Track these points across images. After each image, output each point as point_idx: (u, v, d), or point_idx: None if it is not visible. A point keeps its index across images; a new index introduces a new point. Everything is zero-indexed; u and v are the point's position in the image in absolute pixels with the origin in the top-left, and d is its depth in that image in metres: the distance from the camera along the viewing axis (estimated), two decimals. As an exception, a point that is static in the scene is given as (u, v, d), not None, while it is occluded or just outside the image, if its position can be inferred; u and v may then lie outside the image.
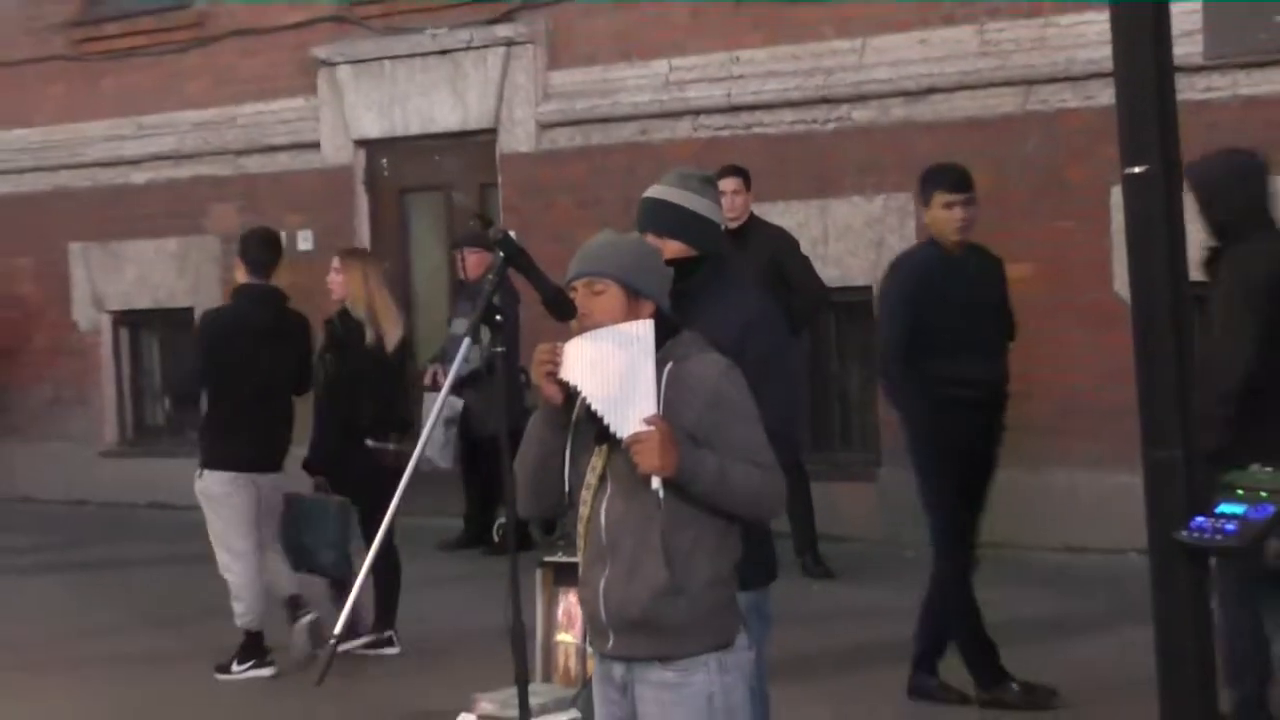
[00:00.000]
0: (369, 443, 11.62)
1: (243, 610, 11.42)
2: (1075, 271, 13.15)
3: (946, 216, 9.68)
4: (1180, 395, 5.56)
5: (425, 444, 6.48)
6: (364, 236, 17.16)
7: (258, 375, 11.49)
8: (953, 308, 9.50)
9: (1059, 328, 13.16)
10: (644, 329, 5.46)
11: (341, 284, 11.83)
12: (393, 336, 11.75)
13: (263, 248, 11.88)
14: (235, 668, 11.39)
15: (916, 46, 14.12)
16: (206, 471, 11.54)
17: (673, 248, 6.34)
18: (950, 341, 9.45)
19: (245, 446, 11.46)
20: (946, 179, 9.88)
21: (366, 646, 11.38)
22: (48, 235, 19.25)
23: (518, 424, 5.95)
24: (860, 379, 14.61)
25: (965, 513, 9.72)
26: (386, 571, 11.23)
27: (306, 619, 11.28)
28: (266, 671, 11.39)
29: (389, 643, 11.47)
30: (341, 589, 11.36)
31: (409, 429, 12.01)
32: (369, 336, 11.64)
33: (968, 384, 9.43)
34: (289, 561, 11.66)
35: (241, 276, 11.93)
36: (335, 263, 12.08)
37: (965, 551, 9.80)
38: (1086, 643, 10.64)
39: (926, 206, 9.88)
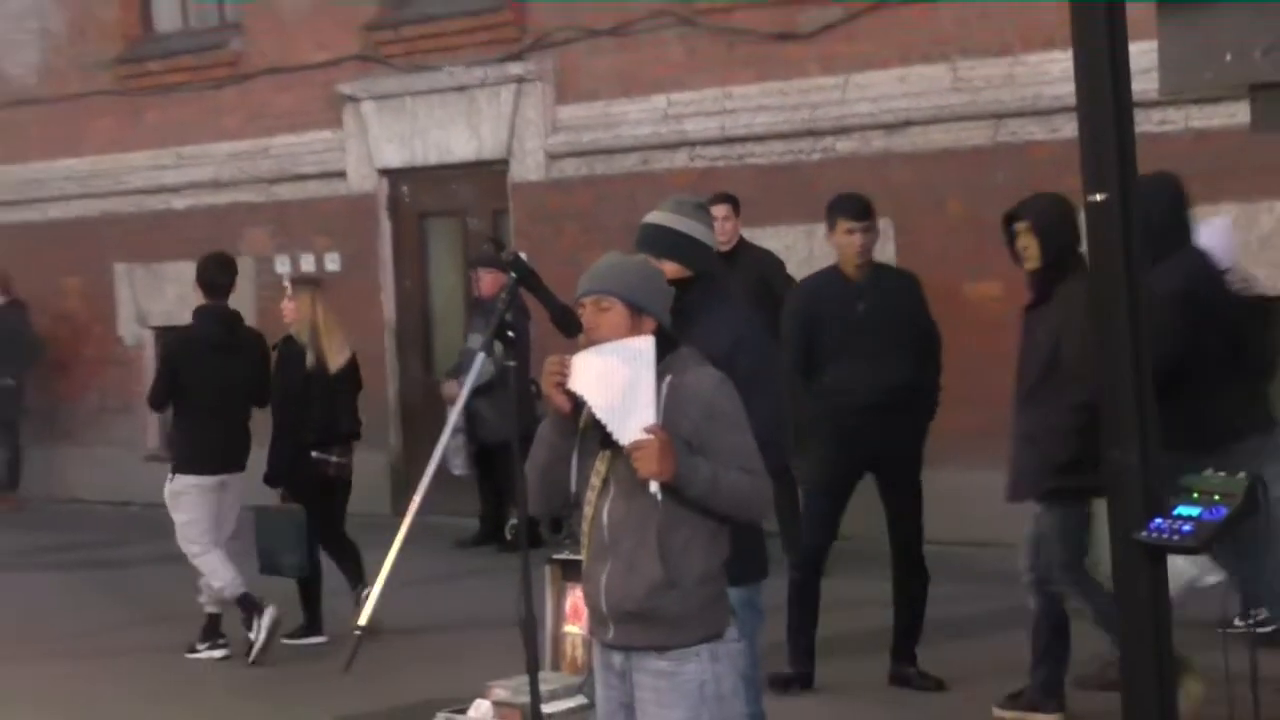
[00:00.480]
0: (314, 454, 11.89)
1: (229, 586, 11.68)
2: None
3: (847, 242, 9.92)
4: (1138, 401, 5.53)
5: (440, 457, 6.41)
6: (386, 258, 17.12)
7: (216, 387, 11.80)
8: (845, 324, 9.77)
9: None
10: (646, 344, 5.48)
11: (294, 309, 12.07)
12: (336, 359, 12.00)
13: (219, 271, 12.31)
14: (199, 647, 11.73)
15: (895, 83, 14.07)
16: (177, 476, 11.87)
17: (669, 268, 6.34)
18: (842, 354, 9.73)
19: (209, 452, 11.80)
20: (849, 208, 10.11)
21: (295, 635, 11.83)
22: (95, 257, 19.22)
23: (528, 430, 5.95)
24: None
25: (835, 506, 10.18)
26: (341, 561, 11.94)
27: (269, 615, 11.46)
28: (219, 653, 11.72)
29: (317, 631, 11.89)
30: (306, 589, 11.92)
31: (356, 440, 12.26)
32: (309, 359, 11.87)
33: (856, 391, 9.65)
34: (258, 565, 11.90)
35: (199, 298, 12.33)
36: (288, 289, 12.46)
37: (820, 541, 10.19)
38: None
39: (831, 232, 10.07)
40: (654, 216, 6.71)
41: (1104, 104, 5.48)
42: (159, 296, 18.93)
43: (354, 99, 17.20)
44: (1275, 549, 7.74)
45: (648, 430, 5.36)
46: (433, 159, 16.82)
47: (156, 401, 12.53)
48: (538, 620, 6.34)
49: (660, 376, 5.46)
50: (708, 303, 6.57)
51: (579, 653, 7.11)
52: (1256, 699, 6.06)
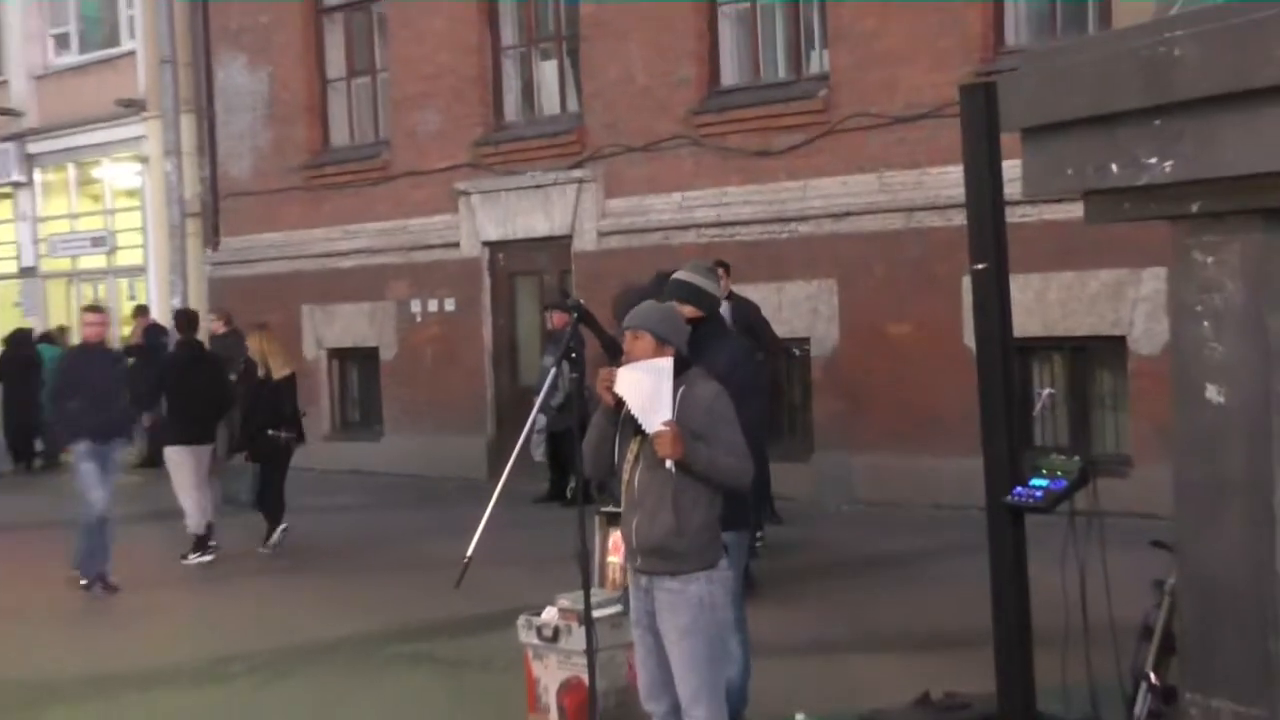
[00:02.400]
0: (269, 432, 12.85)
1: (192, 525, 12.71)
2: (939, 330, 13.08)
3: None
4: (1007, 409, 5.51)
5: (524, 443, 6.47)
6: (487, 303, 17.16)
7: (190, 392, 12.73)
8: None
9: (928, 367, 13.11)
10: (666, 364, 5.50)
11: (253, 343, 13.28)
12: (279, 372, 13.01)
13: (188, 322, 13.63)
14: (191, 556, 12.64)
15: (839, 186, 14.07)
16: (169, 448, 12.88)
17: (688, 310, 6.34)
18: None
19: (188, 431, 12.73)
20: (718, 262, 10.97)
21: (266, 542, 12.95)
22: (288, 301, 19.27)
23: (584, 421, 5.94)
24: (801, 395, 14.54)
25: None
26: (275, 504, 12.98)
27: (280, 531, 12.93)
28: (209, 557, 12.66)
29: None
30: (267, 515, 12.98)
31: (296, 421, 13.29)
32: (260, 372, 12.95)
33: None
34: (222, 496, 13.18)
35: (177, 334, 13.73)
36: (250, 334, 13.70)
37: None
38: (942, 563, 10.61)
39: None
40: (680, 275, 6.71)
41: (984, 202, 5.48)
42: (331, 328, 19.02)
43: (466, 193, 17.24)
44: None
45: (665, 423, 5.39)
46: (520, 234, 16.82)
47: (147, 402, 13.65)
48: (590, 553, 6.37)
49: (676, 387, 5.48)
50: (714, 335, 6.56)
51: (618, 576, 7.09)
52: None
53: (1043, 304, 12.70)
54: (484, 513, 5.97)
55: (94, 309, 12.40)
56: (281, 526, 12.98)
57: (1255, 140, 5.66)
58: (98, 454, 11.48)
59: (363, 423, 19.02)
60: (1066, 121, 6.35)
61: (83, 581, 11.47)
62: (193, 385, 12.73)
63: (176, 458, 12.73)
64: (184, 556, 12.63)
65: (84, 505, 11.48)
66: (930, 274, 13.19)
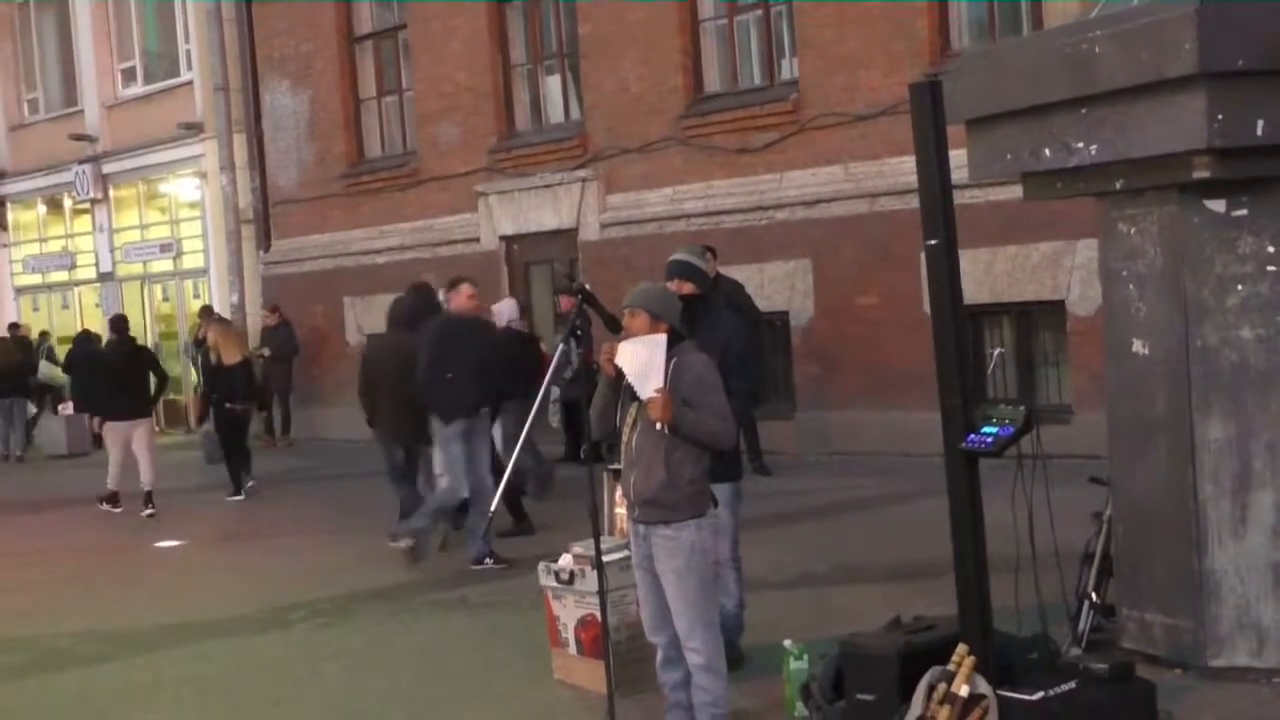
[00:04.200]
0: (226, 405, 13.88)
1: (110, 482, 13.63)
2: (902, 300, 13.02)
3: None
4: (960, 366, 5.44)
5: (536, 413, 6.47)
6: (504, 290, 17.01)
7: (121, 378, 13.55)
8: None
9: (893, 333, 13.05)
10: (660, 338, 5.44)
11: (211, 336, 14.44)
12: (230, 359, 13.85)
13: (120, 323, 14.15)
14: (103, 506, 13.68)
15: (810, 177, 13.99)
16: (106, 422, 13.62)
17: (686, 288, 6.31)
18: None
19: (119, 409, 13.51)
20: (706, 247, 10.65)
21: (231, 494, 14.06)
22: (332, 294, 19.20)
23: (591, 391, 5.90)
24: (784, 363, 14.50)
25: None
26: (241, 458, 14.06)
27: (249, 486, 14.13)
28: (119, 509, 13.55)
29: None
30: (232, 472, 14.09)
31: (252, 396, 14.41)
32: (213, 358, 13.98)
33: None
34: (206, 459, 15.21)
35: (111, 334, 14.34)
36: (209, 329, 14.95)
37: None
38: (910, 504, 10.58)
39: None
40: (679, 255, 6.68)
41: (934, 186, 5.43)
42: (370, 315, 18.83)
43: (484, 194, 17.13)
44: None
45: (657, 391, 5.33)
46: (532, 229, 16.72)
47: (83, 400, 15.31)
48: (599, 505, 6.34)
49: (669, 358, 5.41)
50: (711, 309, 6.53)
51: (625, 526, 7.07)
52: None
53: (991, 275, 12.65)
54: (503, 476, 5.91)
55: (462, 281, 10.10)
56: (250, 483, 14.20)
57: (1168, 125, 5.65)
58: (467, 432, 9.61)
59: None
60: (1004, 113, 6.34)
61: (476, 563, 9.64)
62: (133, 375, 13.67)
63: (112, 433, 13.65)
64: (100, 500, 13.77)
65: (443, 487, 9.72)
66: (892, 252, 13.12)
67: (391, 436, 10.73)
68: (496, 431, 10.40)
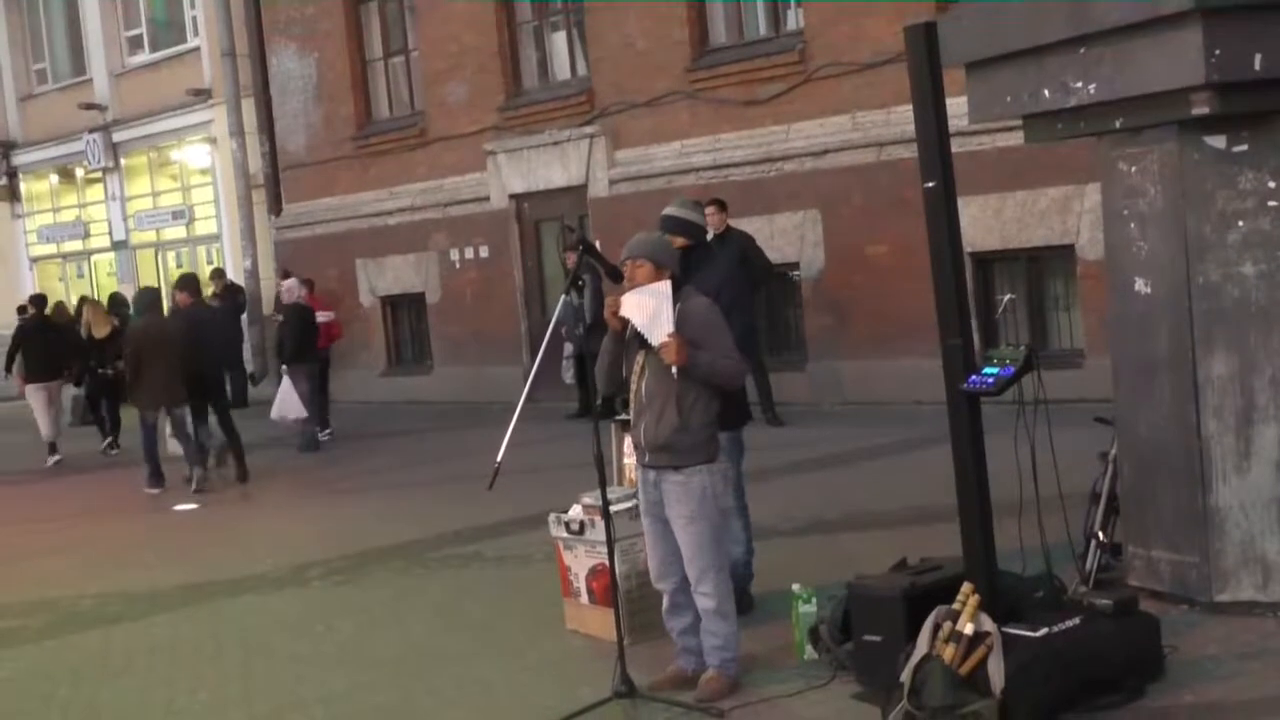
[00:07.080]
0: (99, 370, 15.78)
1: (45, 436, 15.54)
2: (911, 248, 12.90)
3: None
4: (960, 310, 5.44)
5: (537, 369, 6.47)
6: (516, 248, 17.08)
7: (41, 349, 15.70)
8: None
9: (903, 281, 13.01)
10: (665, 286, 5.50)
11: (85, 312, 16.75)
12: (99, 332, 15.87)
13: (38, 303, 16.50)
14: (50, 459, 15.42)
15: (818, 127, 13.95)
16: (28, 386, 15.62)
17: (679, 241, 6.29)
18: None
19: (41, 374, 15.59)
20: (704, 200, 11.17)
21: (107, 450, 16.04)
22: (345, 255, 19.23)
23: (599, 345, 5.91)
24: (794, 315, 14.50)
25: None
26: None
27: (109, 442, 16.08)
28: (56, 458, 15.40)
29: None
30: (101, 428, 16.38)
31: (116, 365, 14.90)
32: (84, 332, 16.31)
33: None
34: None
35: (30, 309, 16.52)
36: (84, 307, 17.21)
37: None
38: (920, 451, 10.60)
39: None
40: (669, 210, 6.61)
41: (930, 127, 5.42)
42: (382, 277, 18.99)
43: (493, 153, 17.11)
44: None
45: (670, 335, 5.37)
46: (541, 186, 16.70)
47: (7, 364, 16.50)
48: (607, 457, 6.38)
49: (675, 304, 5.46)
50: (704, 259, 6.51)
51: (633, 475, 7.11)
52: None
53: (1000, 220, 12.62)
54: (509, 427, 5.93)
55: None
56: (109, 440, 16.02)
57: (1165, 61, 5.63)
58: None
59: (415, 359, 19.01)
60: (1003, 55, 6.32)
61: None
62: (45, 343, 15.69)
63: (33, 393, 15.53)
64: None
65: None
66: (901, 199, 13.08)
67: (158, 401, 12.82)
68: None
